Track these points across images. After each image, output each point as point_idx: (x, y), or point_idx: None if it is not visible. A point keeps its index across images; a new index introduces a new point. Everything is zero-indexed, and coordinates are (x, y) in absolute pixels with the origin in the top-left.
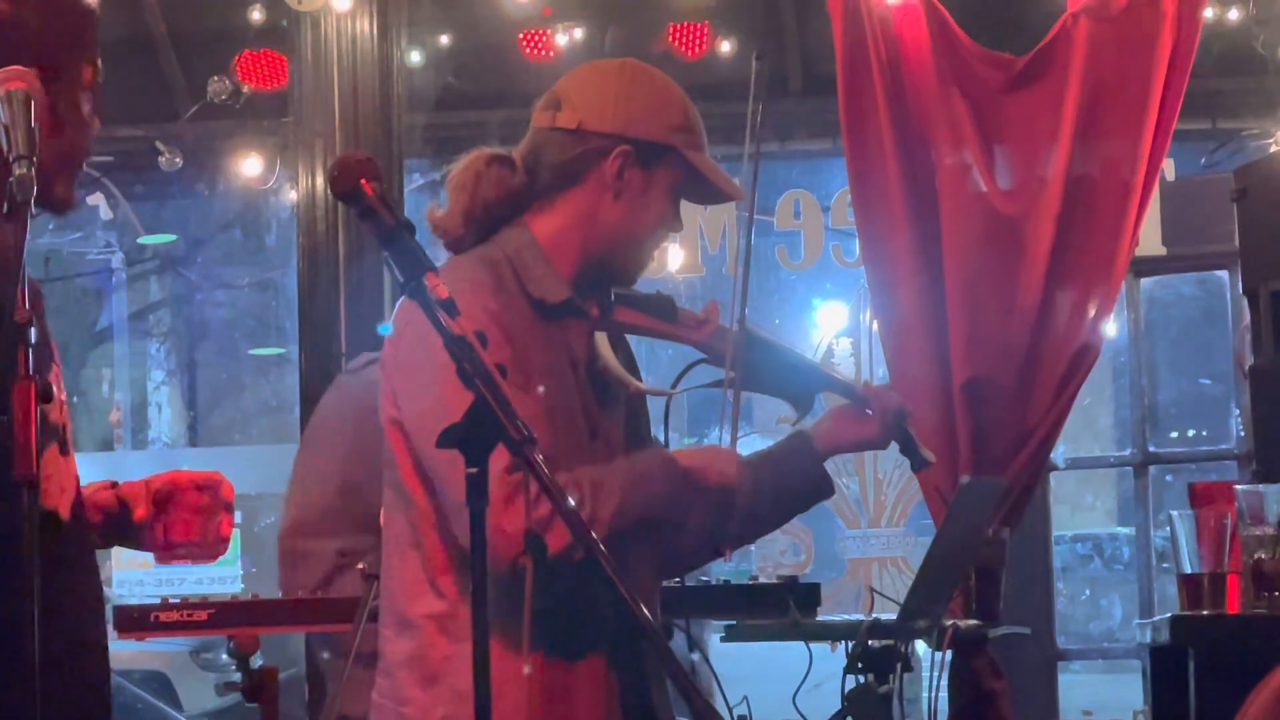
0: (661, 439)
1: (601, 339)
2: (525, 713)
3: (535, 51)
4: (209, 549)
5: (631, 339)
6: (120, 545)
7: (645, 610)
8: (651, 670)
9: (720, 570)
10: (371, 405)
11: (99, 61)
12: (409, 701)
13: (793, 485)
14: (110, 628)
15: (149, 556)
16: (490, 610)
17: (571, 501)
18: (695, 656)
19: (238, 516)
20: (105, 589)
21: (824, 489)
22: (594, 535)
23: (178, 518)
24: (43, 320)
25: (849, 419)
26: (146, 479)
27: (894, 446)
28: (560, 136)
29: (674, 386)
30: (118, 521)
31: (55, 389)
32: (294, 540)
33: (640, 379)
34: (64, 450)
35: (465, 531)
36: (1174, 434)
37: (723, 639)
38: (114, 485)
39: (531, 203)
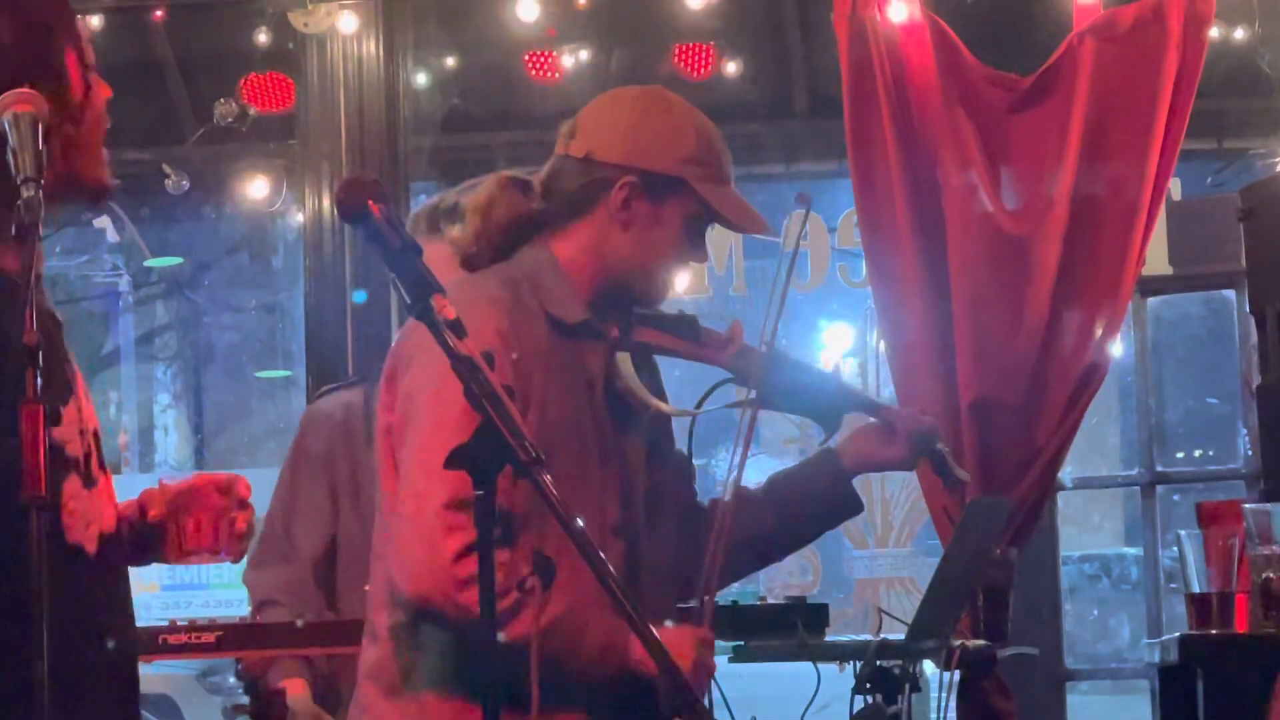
0: (688, 458)
1: (624, 359)
2: None
3: (541, 73)
4: (226, 549)
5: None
6: (146, 559)
7: (655, 634)
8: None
9: (728, 591)
10: (321, 435)
11: (81, 37)
12: (367, 710)
13: (820, 503)
14: None
15: (155, 580)
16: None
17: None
18: None
19: None
20: None
21: (852, 507)
22: (603, 557)
23: (194, 521)
24: (61, 351)
25: (876, 438)
26: (164, 482)
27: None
28: (572, 164)
29: (698, 407)
30: (139, 529)
31: (79, 416)
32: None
33: (666, 400)
34: (89, 483)
35: (390, 541)
36: (1180, 454)
37: (730, 660)
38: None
39: (549, 226)
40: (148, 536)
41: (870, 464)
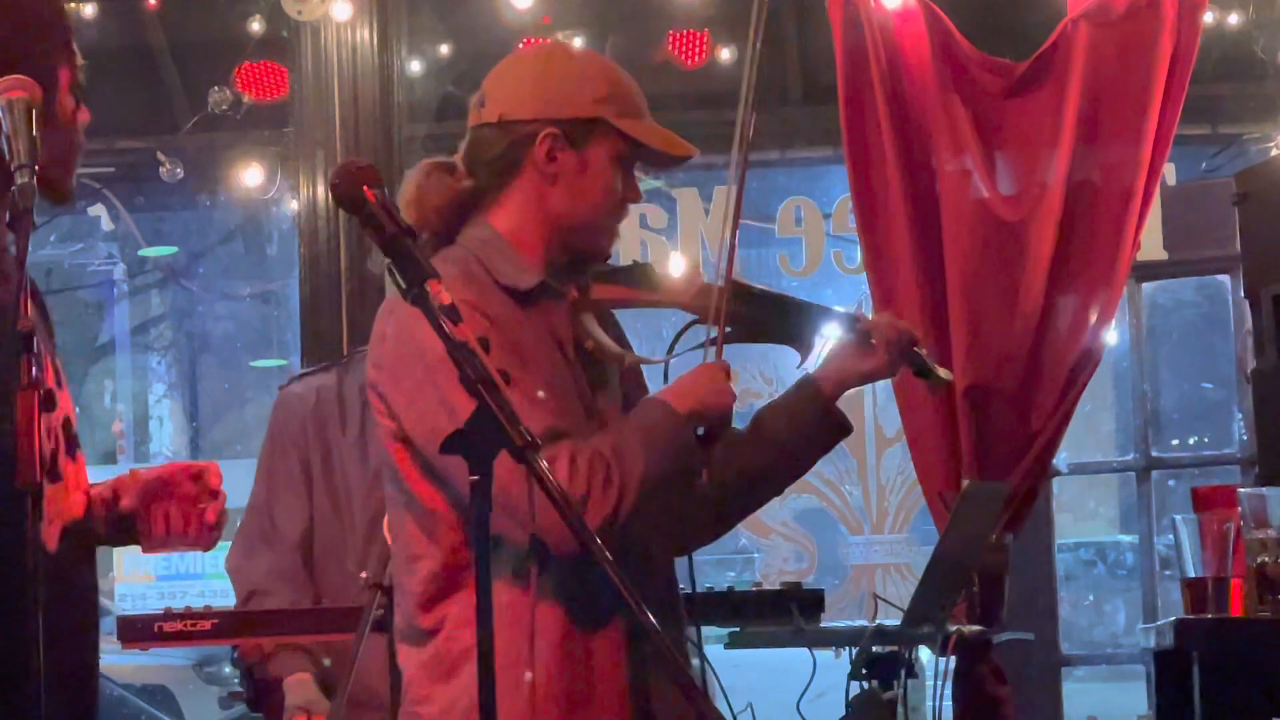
0: None
1: (589, 319)
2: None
3: None
4: (196, 539)
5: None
6: (121, 542)
7: (649, 615)
8: (654, 663)
9: (724, 578)
10: (294, 417)
11: (77, 58)
12: (426, 700)
13: (807, 432)
14: (114, 638)
15: (151, 569)
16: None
17: (592, 484)
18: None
19: None
20: (107, 601)
21: (839, 429)
22: (597, 539)
23: (164, 509)
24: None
25: (853, 354)
26: (135, 469)
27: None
28: (488, 132)
29: (669, 352)
30: (113, 516)
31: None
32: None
33: (633, 351)
34: (53, 478)
35: (510, 521)
36: (1175, 441)
37: (726, 646)
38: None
39: (483, 201)
40: (121, 524)
41: (851, 381)
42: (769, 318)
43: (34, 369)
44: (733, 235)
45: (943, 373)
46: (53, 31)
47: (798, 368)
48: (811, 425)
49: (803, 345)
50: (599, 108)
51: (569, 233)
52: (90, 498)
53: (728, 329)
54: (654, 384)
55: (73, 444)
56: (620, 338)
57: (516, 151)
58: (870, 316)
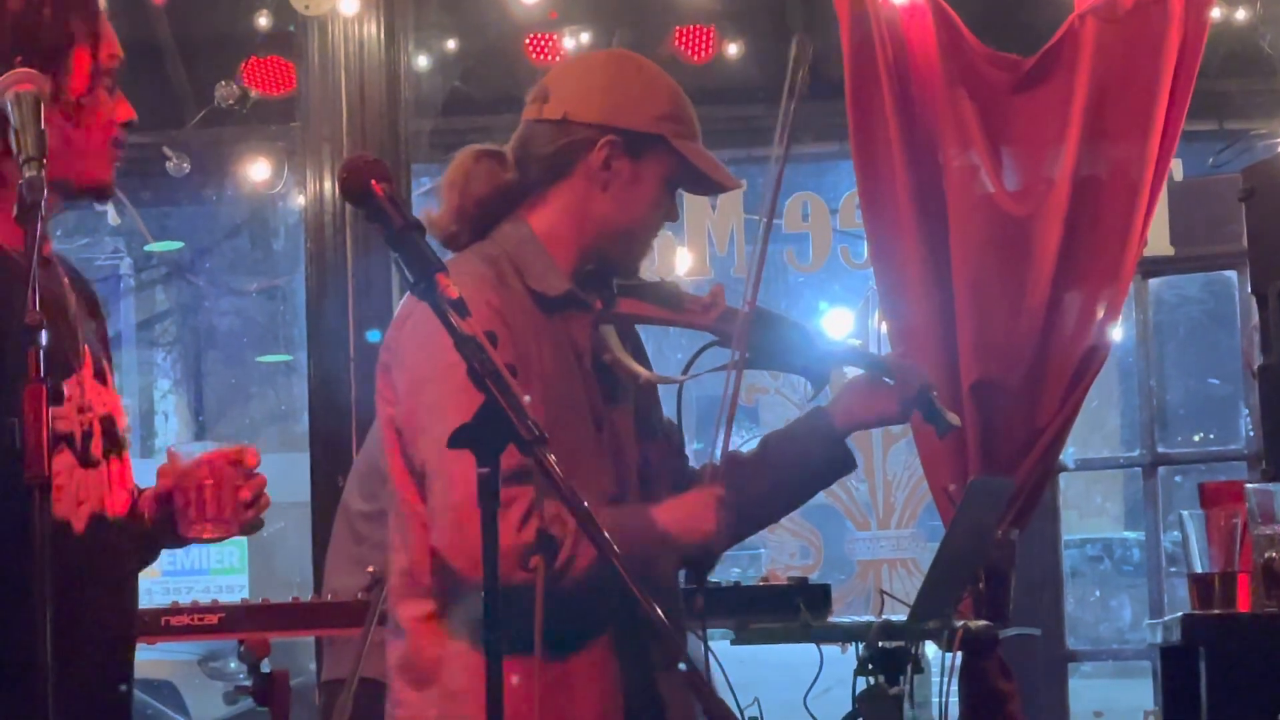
0: (677, 425)
1: (609, 332)
2: (524, 709)
3: (542, 55)
4: (233, 518)
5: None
6: (166, 533)
7: (659, 610)
8: (658, 659)
9: (730, 573)
10: None
11: (106, 44)
12: (401, 704)
13: (814, 465)
14: None
15: (157, 565)
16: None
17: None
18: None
19: None
20: None
21: (845, 465)
22: (607, 536)
23: (198, 490)
24: (63, 328)
25: (868, 393)
26: (173, 452)
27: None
28: (547, 128)
29: (684, 373)
30: (160, 508)
31: (79, 393)
32: None
33: (650, 369)
34: (85, 462)
35: (441, 534)
36: (1181, 437)
37: (733, 641)
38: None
39: (526, 197)
40: (162, 506)
41: (863, 421)
42: (788, 347)
43: (41, 363)
44: (758, 269)
45: (951, 418)
46: (72, 7)
47: (809, 400)
48: (819, 458)
49: (817, 378)
50: (661, 125)
51: (607, 241)
52: (135, 496)
53: (742, 355)
54: (668, 401)
55: (116, 443)
56: (638, 352)
57: (572, 152)
58: (888, 359)
